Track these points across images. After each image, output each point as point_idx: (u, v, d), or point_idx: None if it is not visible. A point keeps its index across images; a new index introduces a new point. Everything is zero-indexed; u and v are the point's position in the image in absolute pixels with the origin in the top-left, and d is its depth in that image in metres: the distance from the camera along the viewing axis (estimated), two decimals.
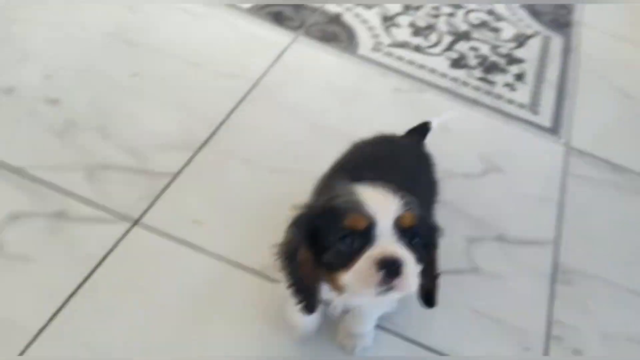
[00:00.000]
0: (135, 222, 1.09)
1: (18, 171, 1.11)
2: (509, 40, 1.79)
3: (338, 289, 0.77)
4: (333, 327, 1.00)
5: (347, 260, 0.73)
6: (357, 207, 0.73)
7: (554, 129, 1.53)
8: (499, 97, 1.58)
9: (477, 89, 1.59)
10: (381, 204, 0.73)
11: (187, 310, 0.99)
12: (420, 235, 0.76)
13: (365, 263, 0.72)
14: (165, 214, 1.11)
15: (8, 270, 0.98)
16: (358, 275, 0.72)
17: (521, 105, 1.58)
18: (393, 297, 0.76)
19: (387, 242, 0.72)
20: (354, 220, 0.72)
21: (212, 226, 1.12)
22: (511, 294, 1.15)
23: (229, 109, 1.35)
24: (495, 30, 1.82)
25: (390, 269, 0.71)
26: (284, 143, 1.31)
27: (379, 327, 1.02)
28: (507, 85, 1.63)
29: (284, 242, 0.80)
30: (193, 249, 1.07)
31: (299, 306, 0.81)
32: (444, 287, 1.11)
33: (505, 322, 1.10)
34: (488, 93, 1.59)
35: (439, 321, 1.07)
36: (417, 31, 1.73)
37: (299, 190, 0.97)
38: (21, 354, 0.89)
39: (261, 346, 0.97)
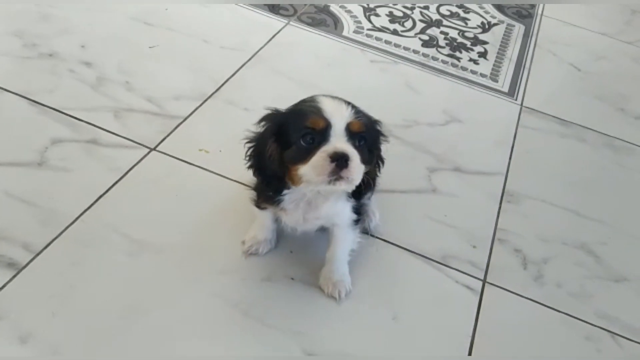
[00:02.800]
0: (153, 149, 1.34)
1: (58, 110, 1.37)
2: (475, 27, 2.07)
3: (296, 181, 0.93)
4: None
5: (306, 154, 0.90)
6: (317, 111, 0.91)
7: (510, 93, 1.78)
8: (464, 69, 1.84)
9: (444, 62, 1.85)
10: (336, 111, 0.92)
11: (192, 208, 1.24)
12: (366, 139, 0.94)
13: (320, 156, 0.89)
14: (177, 145, 1.37)
15: (52, 177, 1.23)
16: (314, 166, 0.89)
17: (483, 75, 1.84)
18: (341, 187, 0.92)
19: (338, 141, 0.90)
20: (314, 121, 0.90)
21: (215, 155, 1.37)
22: (464, 208, 1.38)
23: (232, 71, 1.62)
24: (464, 19, 2.10)
25: (339, 161, 0.88)
26: (278, 95, 1.56)
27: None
28: (472, 60, 1.89)
29: (254, 135, 0.99)
30: (199, 169, 1.32)
31: (267, 189, 1.00)
32: (406, 202, 1.36)
33: (458, 227, 1.33)
34: (454, 66, 1.85)
35: (401, 226, 1.30)
36: (394, 19, 2.01)
37: None
38: (61, 233, 1.13)
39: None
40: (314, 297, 1.12)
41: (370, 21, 1.97)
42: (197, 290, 1.09)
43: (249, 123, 1.43)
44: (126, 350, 0.98)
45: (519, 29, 2.11)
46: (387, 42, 1.89)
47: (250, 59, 1.68)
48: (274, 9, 1.92)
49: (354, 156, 0.90)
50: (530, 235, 1.35)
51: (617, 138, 1.69)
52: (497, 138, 1.61)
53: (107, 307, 1.03)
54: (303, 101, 0.97)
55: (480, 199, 1.41)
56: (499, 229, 1.35)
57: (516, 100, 1.76)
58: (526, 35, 2.08)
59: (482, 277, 1.23)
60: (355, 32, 1.90)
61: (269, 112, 0.99)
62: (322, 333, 1.07)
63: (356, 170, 0.90)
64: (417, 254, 1.24)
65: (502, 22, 2.13)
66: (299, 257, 1.19)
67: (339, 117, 0.91)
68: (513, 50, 1.99)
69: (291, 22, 1.88)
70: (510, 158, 1.55)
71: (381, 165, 1.05)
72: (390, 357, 1.06)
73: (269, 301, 1.10)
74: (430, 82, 1.76)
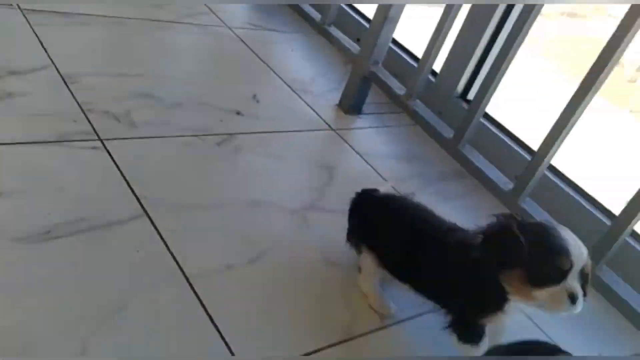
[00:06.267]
0: None
1: None
2: None
3: (526, 296, 1.04)
4: None
5: (544, 283, 1.02)
6: (567, 252, 1.01)
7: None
8: None
9: None
10: (580, 255, 1.02)
11: None
12: (588, 281, 1.05)
13: (560, 290, 1.01)
14: None
15: None
16: (553, 296, 1.01)
17: None
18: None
19: (574, 280, 1.01)
20: (564, 261, 1.00)
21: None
22: (41, 101, 1.52)
23: None
24: None
25: (572, 299, 1.01)
26: None
27: None
28: None
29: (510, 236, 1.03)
30: None
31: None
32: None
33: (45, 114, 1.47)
34: None
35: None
36: None
37: None
38: None
39: None
40: None
41: None
42: None
43: None
44: None
45: None
46: None
47: None
48: None
49: (581, 296, 1.03)
50: (107, 99, 1.62)
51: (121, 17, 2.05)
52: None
53: None
54: (551, 235, 1.03)
55: (50, 93, 1.57)
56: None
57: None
58: None
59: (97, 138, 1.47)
60: None
61: (516, 235, 1.04)
62: None
63: (579, 307, 1.03)
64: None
65: None
66: None
67: (580, 262, 1.02)
68: None
69: None
70: (49, 56, 1.70)
71: None
72: None
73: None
74: None
